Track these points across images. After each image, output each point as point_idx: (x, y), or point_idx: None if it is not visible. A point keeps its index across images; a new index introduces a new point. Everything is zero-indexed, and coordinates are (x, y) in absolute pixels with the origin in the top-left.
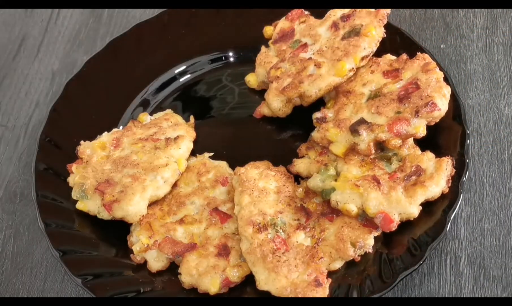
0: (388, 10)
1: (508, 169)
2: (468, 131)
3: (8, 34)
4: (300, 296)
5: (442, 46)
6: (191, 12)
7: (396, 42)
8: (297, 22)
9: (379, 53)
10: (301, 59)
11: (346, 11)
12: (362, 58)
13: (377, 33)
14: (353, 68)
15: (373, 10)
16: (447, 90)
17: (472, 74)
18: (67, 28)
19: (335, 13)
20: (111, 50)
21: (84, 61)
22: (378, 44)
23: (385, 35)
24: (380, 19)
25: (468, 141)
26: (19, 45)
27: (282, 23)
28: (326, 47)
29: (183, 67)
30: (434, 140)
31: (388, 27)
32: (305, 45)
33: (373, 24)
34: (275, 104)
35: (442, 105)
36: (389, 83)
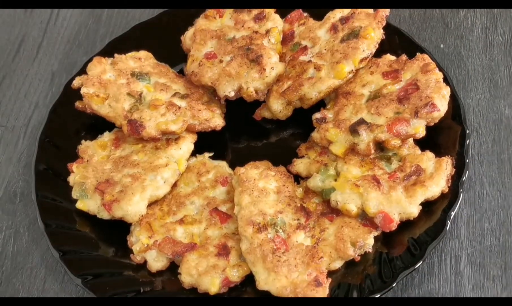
0: (387, 12)
1: (507, 169)
2: (468, 131)
3: (8, 35)
4: (300, 295)
5: (441, 46)
6: (190, 12)
7: (396, 42)
8: (297, 24)
9: (378, 53)
10: (301, 62)
11: (345, 12)
12: (361, 60)
13: (376, 35)
14: (352, 70)
15: (372, 12)
16: (446, 91)
17: (472, 74)
18: (67, 29)
19: (334, 15)
20: (111, 50)
21: (84, 62)
22: (377, 46)
23: (384, 37)
24: (379, 21)
25: (468, 141)
26: (18, 46)
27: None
28: (325, 50)
29: (181, 67)
30: (434, 140)
31: (387, 27)
32: (305, 48)
33: (371, 26)
34: (276, 106)
35: (442, 106)
36: (389, 84)
